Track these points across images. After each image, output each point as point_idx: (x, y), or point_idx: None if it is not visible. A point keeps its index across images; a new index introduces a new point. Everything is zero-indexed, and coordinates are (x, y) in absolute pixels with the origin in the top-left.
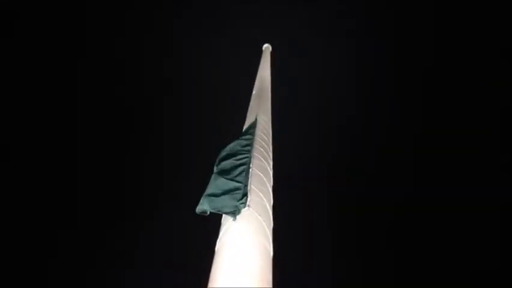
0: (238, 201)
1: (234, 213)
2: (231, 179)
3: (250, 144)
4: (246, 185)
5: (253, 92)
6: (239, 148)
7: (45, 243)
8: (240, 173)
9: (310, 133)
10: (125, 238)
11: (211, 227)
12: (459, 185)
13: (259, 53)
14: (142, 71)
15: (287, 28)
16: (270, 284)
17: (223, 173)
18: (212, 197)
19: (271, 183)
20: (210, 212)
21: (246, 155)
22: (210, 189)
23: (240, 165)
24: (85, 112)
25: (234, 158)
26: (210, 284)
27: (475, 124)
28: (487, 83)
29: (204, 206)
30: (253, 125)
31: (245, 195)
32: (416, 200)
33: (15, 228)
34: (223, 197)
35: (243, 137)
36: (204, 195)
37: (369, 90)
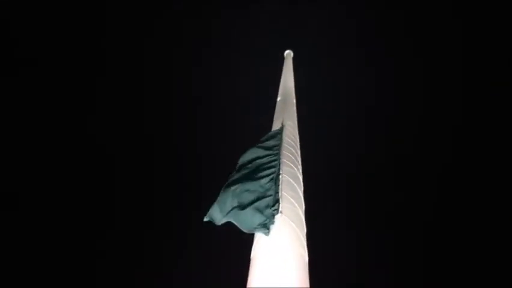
0: (270, 208)
1: (267, 227)
2: (258, 187)
3: (278, 151)
4: (277, 192)
5: (278, 99)
6: (263, 155)
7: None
8: (269, 180)
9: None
10: (155, 244)
11: (245, 234)
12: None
13: (279, 58)
14: (163, 80)
15: (306, 33)
16: None
17: (248, 181)
18: (237, 210)
19: (302, 189)
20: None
21: (272, 162)
22: (231, 199)
23: (268, 174)
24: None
25: (258, 166)
26: None
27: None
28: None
29: (223, 217)
30: (279, 131)
31: (277, 201)
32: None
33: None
34: (250, 209)
35: (265, 144)
36: (227, 205)
37: (397, 89)
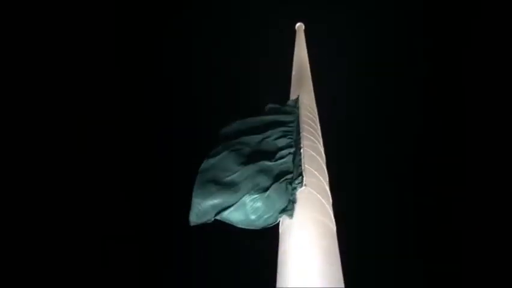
0: (293, 182)
1: (290, 207)
2: (276, 166)
3: (294, 125)
4: (300, 165)
5: (293, 73)
6: (275, 131)
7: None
8: (287, 155)
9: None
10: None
11: None
12: None
13: (289, 32)
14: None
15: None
16: (339, 263)
17: (260, 160)
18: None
19: (325, 161)
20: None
21: (289, 136)
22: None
23: (285, 149)
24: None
25: (269, 144)
26: (279, 267)
27: None
28: None
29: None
30: (294, 106)
31: (300, 175)
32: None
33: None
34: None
35: (276, 119)
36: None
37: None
